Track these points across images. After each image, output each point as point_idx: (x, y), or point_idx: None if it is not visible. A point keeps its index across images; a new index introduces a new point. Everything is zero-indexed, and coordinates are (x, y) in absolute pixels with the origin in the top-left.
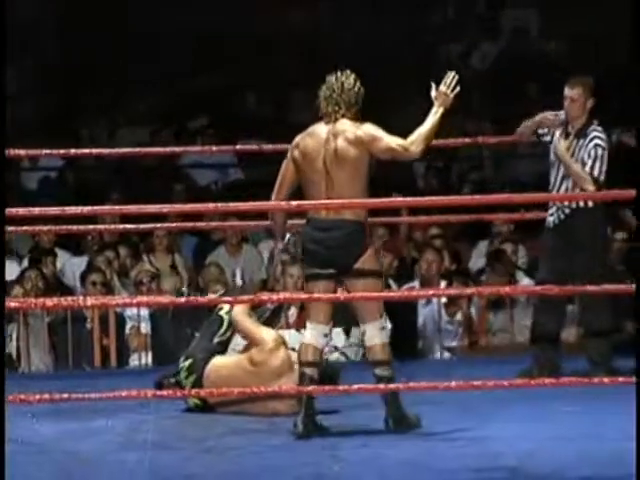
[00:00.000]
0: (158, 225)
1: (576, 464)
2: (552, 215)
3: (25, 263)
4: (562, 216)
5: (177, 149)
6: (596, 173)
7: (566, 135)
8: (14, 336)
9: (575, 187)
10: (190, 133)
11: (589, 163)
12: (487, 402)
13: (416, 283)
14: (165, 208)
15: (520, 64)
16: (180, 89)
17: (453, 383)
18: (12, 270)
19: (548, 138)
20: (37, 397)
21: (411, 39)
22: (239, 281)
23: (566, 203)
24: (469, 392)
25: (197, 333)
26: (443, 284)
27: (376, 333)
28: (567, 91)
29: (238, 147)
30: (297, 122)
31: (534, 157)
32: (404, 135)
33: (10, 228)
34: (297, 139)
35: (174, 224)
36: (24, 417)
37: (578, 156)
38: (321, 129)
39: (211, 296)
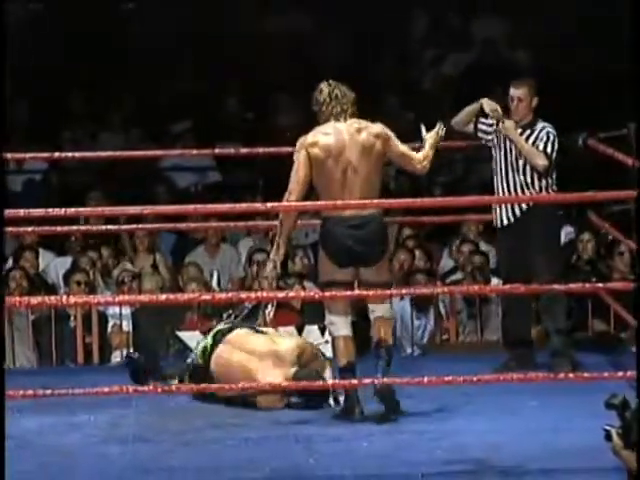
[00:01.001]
0: (139, 226)
1: (541, 456)
2: (502, 214)
3: (10, 263)
4: (516, 214)
5: (158, 152)
6: (549, 150)
7: (499, 145)
8: None
9: (527, 179)
10: (172, 136)
11: (541, 145)
12: (457, 397)
13: None
14: (146, 209)
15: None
16: (163, 92)
17: (425, 378)
18: None
19: (485, 127)
20: (21, 393)
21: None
22: (215, 280)
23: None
24: (440, 387)
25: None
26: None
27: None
28: (513, 91)
29: (217, 151)
30: (279, 125)
31: None
32: None
33: None
34: (311, 138)
35: (155, 225)
36: (8, 412)
37: (528, 141)
38: (338, 126)
39: (189, 295)
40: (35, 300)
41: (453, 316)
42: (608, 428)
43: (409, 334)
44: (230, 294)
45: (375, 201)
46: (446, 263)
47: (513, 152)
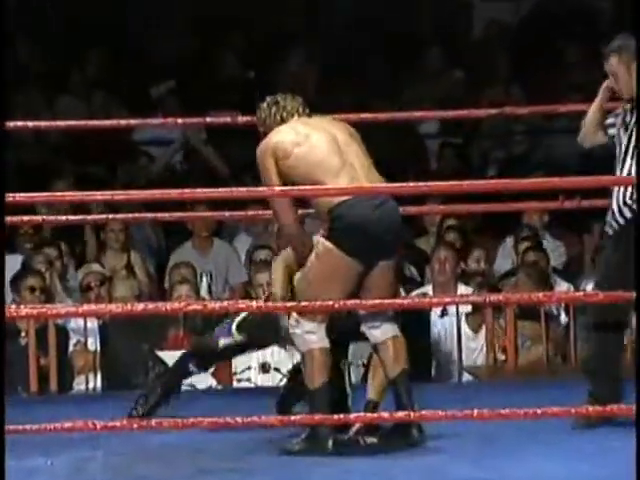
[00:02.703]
0: (110, 216)
1: None
2: (609, 221)
3: None
4: (619, 223)
5: (134, 121)
6: None
7: (625, 126)
8: None
9: None
10: (151, 101)
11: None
12: (517, 435)
13: (428, 288)
14: (118, 195)
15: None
16: (138, 44)
17: (475, 411)
18: None
19: (611, 120)
20: None
21: None
22: (205, 285)
23: (617, 210)
24: (494, 422)
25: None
26: (463, 289)
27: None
28: (606, 66)
29: (208, 119)
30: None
31: (575, 133)
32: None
33: None
34: (272, 138)
35: (130, 215)
36: None
37: None
38: (304, 120)
39: (173, 304)
40: None
41: (511, 332)
42: None
43: (454, 355)
44: (225, 303)
45: (411, 184)
46: (502, 263)
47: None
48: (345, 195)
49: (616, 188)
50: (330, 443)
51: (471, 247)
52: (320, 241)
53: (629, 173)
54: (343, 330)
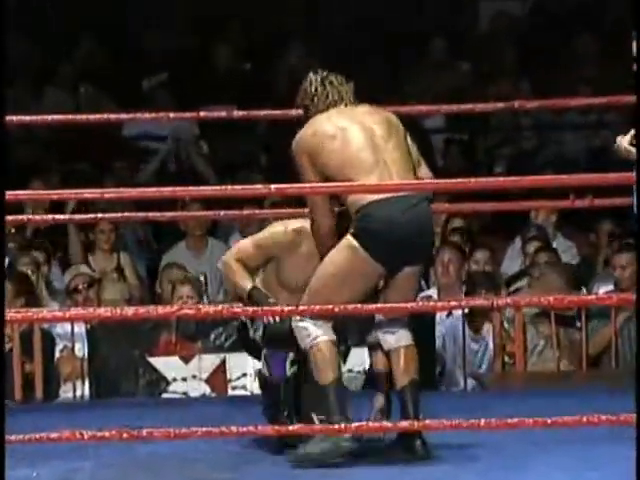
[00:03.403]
0: (99, 215)
1: None
2: None
3: None
4: None
5: (124, 116)
6: None
7: None
8: None
9: None
10: (142, 94)
11: None
12: (525, 446)
13: (432, 291)
14: (107, 193)
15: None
16: (130, 34)
17: (482, 420)
18: None
19: None
20: None
21: None
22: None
23: None
24: (503, 432)
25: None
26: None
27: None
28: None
29: (202, 114)
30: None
31: (585, 128)
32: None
33: None
34: (307, 130)
35: (120, 214)
36: None
37: None
38: (342, 110)
39: (165, 308)
40: None
41: (520, 336)
42: None
43: (460, 361)
44: (221, 307)
45: (427, 181)
46: (510, 265)
47: None
48: (371, 193)
49: None
50: (348, 443)
51: (476, 248)
52: (345, 240)
53: None
54: (345, 334)
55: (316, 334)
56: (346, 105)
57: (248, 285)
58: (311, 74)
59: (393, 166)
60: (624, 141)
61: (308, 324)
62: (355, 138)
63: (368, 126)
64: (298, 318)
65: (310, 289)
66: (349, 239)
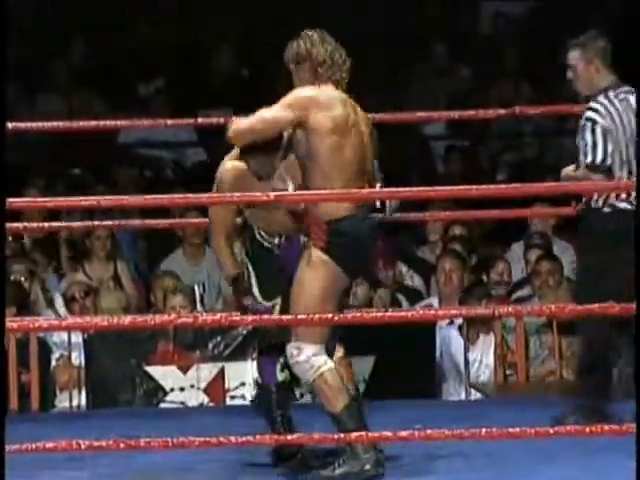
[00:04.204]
0: (95, 223)
1: None
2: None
3: None
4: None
5: (121, 122)
6: (590, 159)
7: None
8: None
9: None
10: (139, 100)
11: (583, 150)
12: (527, 455)
13: (434, 300)
14: (105, 201)
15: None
16: (126, 41)
17: (483, 430)
18: None
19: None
20: None
21: None
22: (197, 294)
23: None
24: (504, 442)
25: None
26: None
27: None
28: (567, 59)
29: (200, 120)
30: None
31: None
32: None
33: None
34: (309, 94)
35: (116, 222)
36: None
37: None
38: (339, 94)
39: (163, 317)
40: None
41: (521, 346)
42: None
43: (460, 372)
44: (219, 315)
45: (416, 190)
46: (513, 273)
47: None
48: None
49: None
50: (372, 460)
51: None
52: (315, 253)
53: None
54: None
55: (318, 364)
56: (343, 89)
57: (231, 270)
58: (315, 35)
59: (368, 175)
60: (567, 170)
61: (307, 355)
62: (355, 143)
63: (362, 130)
64: (295, 354)
65: (295, 312)
66: (320, 256)
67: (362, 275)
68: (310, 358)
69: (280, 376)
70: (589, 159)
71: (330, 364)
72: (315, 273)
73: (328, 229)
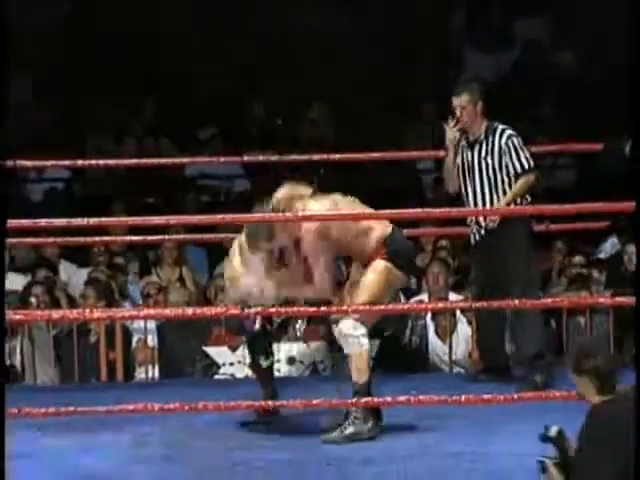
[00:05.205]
0: (166, 237)
1: None
2: (473, 233)
3: (29, 276)
4: (482, 233)
5: (185, 160)
6: (525, 163)
7: (470, 145)
8: (18, 349)
9: (497, 194)
10: (199, 142)
11: (513, 155)
12: (497, 417)
13: (424, 296)
14: (172, 220)
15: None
16: (185, 96)
17: (462, 397)
18: (17, 282)
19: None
20: (42, 411)
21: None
22: None
23: (484, 220)
24: (479, 407)
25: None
26: (453, 296)
27: None
28: (455, 101)
29: (245, 158)
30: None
31: (543, 168)
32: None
33: (14, 240)
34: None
35: (181, 236)
36: (29, 430)
37: (493, 154)
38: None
39: (216, 309)
40: (57, 314)
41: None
42: (543, 460)
43: (445, 352)
44: (259, 308)
45: (410, 211)
46: None
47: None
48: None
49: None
50: (372, 423)
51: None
52: (378, 264)
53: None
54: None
55: (364, 342)
56: None
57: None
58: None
59: None
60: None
61: (362, 333)
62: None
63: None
64: (352, 327)
65: (357, 299)
66: (384, 264)
67: (412, 272)
68: (360, 336)
69: (264, 363)
70: (524, 162)
71: (368, 346)
72: (380, 276)
73: (383, 244)
